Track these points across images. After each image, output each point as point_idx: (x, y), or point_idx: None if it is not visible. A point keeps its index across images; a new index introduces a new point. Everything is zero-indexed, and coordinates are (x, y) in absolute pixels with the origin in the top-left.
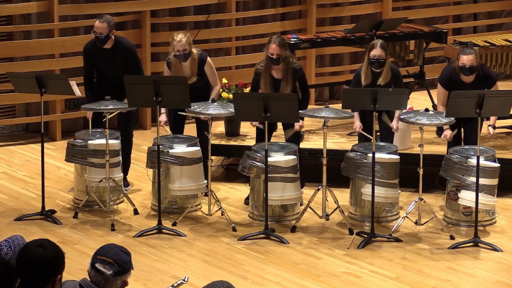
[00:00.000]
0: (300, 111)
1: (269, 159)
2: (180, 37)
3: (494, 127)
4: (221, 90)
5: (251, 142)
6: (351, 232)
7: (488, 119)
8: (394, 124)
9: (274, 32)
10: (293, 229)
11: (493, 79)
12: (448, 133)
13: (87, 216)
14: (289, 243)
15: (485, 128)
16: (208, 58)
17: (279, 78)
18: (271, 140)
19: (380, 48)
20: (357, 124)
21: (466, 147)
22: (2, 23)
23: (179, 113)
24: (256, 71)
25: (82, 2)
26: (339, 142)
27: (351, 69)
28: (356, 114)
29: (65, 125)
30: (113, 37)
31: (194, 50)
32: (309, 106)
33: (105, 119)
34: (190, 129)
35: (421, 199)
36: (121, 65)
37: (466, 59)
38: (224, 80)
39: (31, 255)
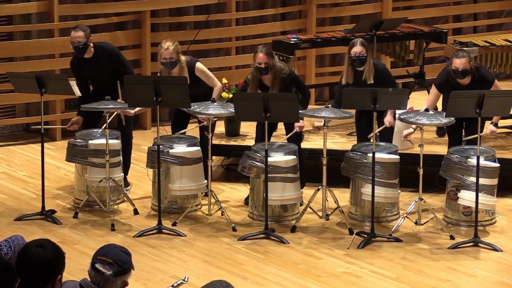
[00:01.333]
0: (300, 111)
1: (269, 159)
2: (168, 45)
3: (496, 125)
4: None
5: (251, 142)
6: (351, 232)
7: (490, 119)
8: (387, 119)
9: (274, 33)
10: (293, 229)
11: (490, 81)
12: (408, 132)
13: (87, 216)
14: (289, 243)
15: (486, 128)
16: (197, 64)
17: (269, 85)
18: (271, 140)
19: (361, 46)
20: (317, 124)
21: (466, 147)
22: (2, 23)
23: (178, 133)
24: (246, 81)
25: (82, 2)
26: (339, 142)
27: None
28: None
29: (65, 125)
30: (91, 44)
31: (182, 58)
32: (309, 106)
33: (104, 118)
34: (191, 129)
35: (421, 199)
36: (109, 70)
37: (459, 63)
38: (224, 80)
39: (31, 255)
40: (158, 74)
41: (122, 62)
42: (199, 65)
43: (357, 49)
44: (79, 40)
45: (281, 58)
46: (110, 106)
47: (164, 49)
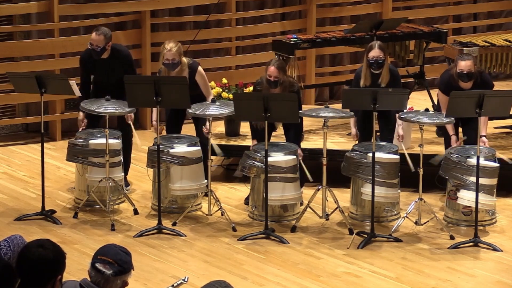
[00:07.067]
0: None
1: (269, 159)
2: (171, 46)
3: (485, 136)
4: (220, 90)
5: (251, 142)
6: (351, 232)
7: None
8: (399, 131)
9: (274, 33)
10: (293, 229)
11: (491, 87)
12: (454, 139)
13: (87, 216)
14: (289, 243)
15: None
16: (200, 68)
17: None
18: (270, 140)
19: (378, 49)
20: (354, 132)
21: (467, 146)
22: (2, 23)
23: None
24: (258, 81)
25: (82, 2)
26: (339, 142)
27: (351, 69)
28: (352, 120)
29: (65, 125)
30: (109, 48)
31: (184, 60)
32: (309, 106)
33: (104, 118)
34: (190, 129)
35: (421, 199)
36: (119, 73)
37: (464, 65)
38: (224, 80)
39: (32, 255)
40: (157, 74)
41: (133, 70)
42: (201, 69)
43: (375, 53)
44: (97, 44)
45: (281, 58)
46: (109, 110)
47: (167, 50)
